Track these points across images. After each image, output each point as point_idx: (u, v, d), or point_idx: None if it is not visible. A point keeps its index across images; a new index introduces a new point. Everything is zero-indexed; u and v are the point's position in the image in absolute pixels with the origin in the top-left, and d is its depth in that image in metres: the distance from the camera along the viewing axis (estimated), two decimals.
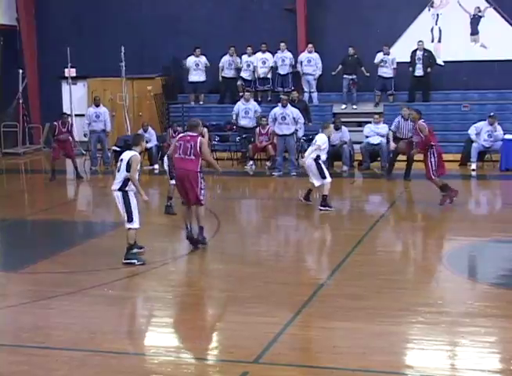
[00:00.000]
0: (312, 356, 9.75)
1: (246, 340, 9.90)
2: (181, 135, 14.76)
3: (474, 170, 22.50)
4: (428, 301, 11.29)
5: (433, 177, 17.03)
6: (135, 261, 13.28)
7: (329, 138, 18.39)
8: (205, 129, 15.52)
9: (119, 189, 13.23)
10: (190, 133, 14.21)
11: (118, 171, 13.46)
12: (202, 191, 14.06)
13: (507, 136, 22.46)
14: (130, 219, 13.28)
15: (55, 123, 23.43)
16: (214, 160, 15.64)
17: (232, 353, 9.52)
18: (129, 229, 13.37)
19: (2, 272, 13.86)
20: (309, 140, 23.88)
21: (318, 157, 17.33)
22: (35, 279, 13.15)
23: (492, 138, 22.55)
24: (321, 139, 17.46)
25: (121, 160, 13.52)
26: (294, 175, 22.19)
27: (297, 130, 22.91)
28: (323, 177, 17.27)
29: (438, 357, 9.39)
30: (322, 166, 17.39)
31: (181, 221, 15.35)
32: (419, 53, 25.10)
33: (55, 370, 9.11)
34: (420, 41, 25.18)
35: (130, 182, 13.21)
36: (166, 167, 17.01)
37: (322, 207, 17.38)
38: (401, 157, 21.37)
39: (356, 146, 23.12)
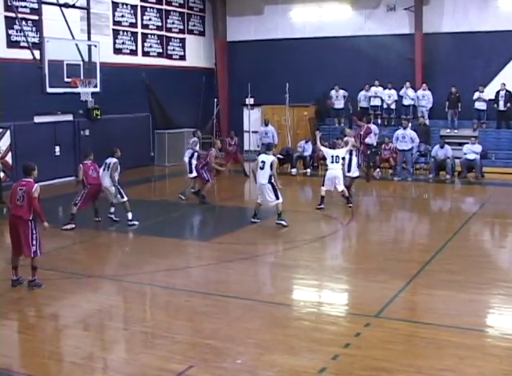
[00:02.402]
0: (418, 314, 9.67)
1: (369, 300, 9.92)
2: None
3: None
4: (506, 278, 10.99)
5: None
6: (283, 222, 14.55)
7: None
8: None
9: (268, 182, 14.48)
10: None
11: (262, 168, 14.61)
12: None
13: None
14: (277, 198, 14.66)
15: (226, 138, 24.43)
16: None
17: (359, 309, 9.57)
18: (277, 204, 14.63)
19: (198, 241, 14.27)
20: (422, 155, 23.63)
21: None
22: (220, 247, 13.46)
23: None
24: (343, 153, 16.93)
25: (263, 162, 14.67)
26: (410, 180, 21.90)
27: (413, 147, 22.62)
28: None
29: None
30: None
31: (328, 211, 15.41)
32: (501, 93, 24.33)
33: (232, 312, 9.38)
34: (503, 83, 24.39)
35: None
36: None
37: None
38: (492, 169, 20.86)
39: (457, 160, 22.57)
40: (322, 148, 17.67)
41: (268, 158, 14.69)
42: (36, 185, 10.36)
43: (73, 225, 14.58)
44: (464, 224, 15.35)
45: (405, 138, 22.41)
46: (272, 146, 15.82)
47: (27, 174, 10.54)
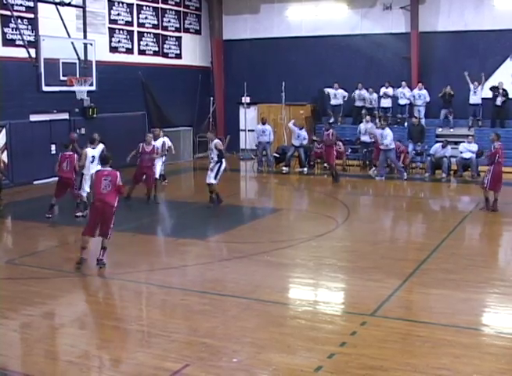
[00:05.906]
0: (414, 313, 9.65)
1: (365, 298, 9.92)
2: None
3: None
4: (502, 277, 11.02)
5: (485, 188, 16.22)
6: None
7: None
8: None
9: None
10: None
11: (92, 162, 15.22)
12: None
13: None
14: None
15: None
16: None
17: (355, 307, 9.57)
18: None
19: (194, 239, 14.21)
20: (418, 154, 23.65)
21: None
22: (216, 246, 13.50)
23: None
24: None
25: (93, 156, 15.28)
26: (405, 179, 21.90)
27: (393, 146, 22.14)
28: None
29: (508, 319, 9.18)
30: None
31: (325, 210, 15.35)
32: (500, 89, 24.36)
33: (228, 311, 9.38)
34: (501, 81, 24.35)
35: None
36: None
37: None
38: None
39: (452, 159, 22.55)
40: None
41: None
42: (118, 173, 11.20)
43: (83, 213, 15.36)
44: (460, 223, 15.37)
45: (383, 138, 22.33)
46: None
47: (106, 163, 11.47)
